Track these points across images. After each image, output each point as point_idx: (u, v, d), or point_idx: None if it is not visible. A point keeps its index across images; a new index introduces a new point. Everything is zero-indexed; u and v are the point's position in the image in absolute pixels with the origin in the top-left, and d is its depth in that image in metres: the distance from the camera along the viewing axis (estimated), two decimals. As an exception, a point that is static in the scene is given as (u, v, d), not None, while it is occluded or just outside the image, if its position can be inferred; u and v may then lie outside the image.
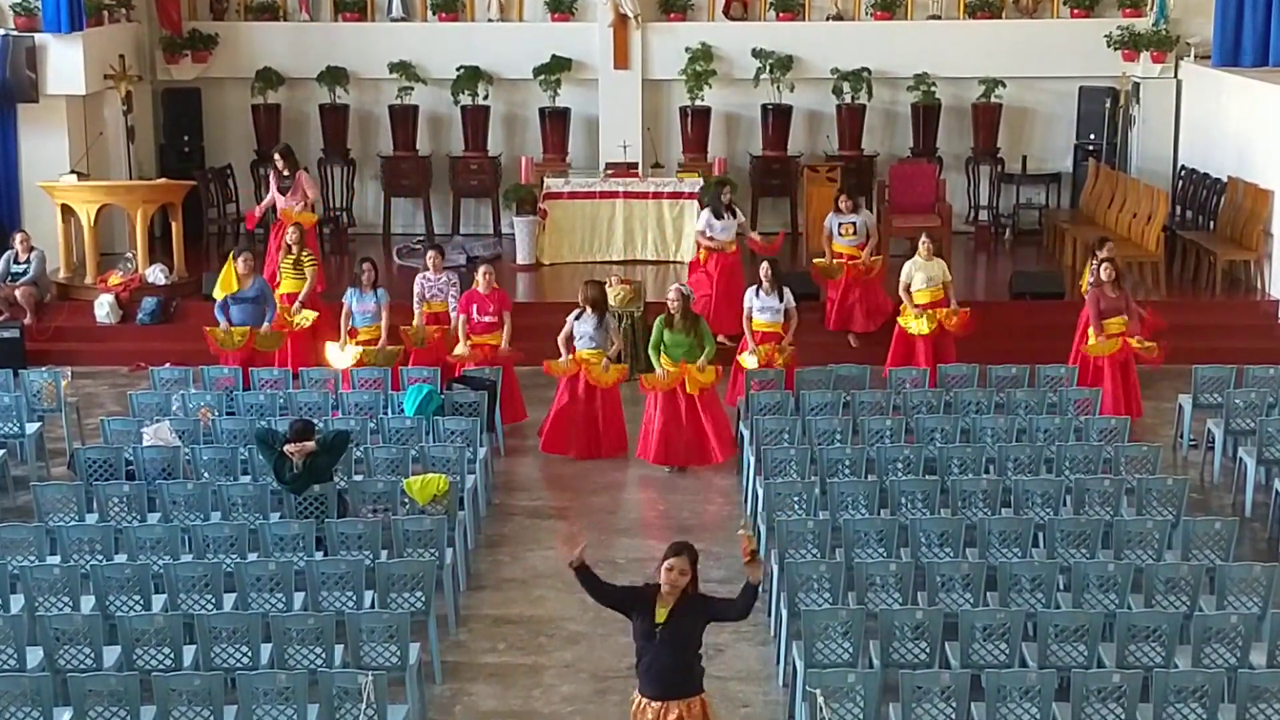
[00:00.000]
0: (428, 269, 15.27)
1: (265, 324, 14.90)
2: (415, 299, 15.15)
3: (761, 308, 14.58)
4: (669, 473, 13.79)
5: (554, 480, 13.86)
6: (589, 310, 13.95)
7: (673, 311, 13.73)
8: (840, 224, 16.74)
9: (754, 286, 14.70)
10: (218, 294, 15.58)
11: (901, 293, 15.39)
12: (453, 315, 14.91)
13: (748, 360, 14.33)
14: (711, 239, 16.66)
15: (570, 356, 13.95)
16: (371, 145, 21.60)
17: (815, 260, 17.03)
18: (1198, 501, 12.65)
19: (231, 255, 15.47)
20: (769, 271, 14.58)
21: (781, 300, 14.59)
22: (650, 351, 13.88)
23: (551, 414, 14.13)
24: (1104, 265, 14.65)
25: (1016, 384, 13.77)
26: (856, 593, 9.79)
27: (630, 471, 13.96)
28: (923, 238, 15.63)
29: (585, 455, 14.03)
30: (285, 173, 17.37)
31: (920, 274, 15.38)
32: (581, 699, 9.89)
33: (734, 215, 16.74)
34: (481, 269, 14.95)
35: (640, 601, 7.94)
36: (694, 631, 7.94)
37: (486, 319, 14.70)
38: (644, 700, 7.97)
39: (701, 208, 17.53)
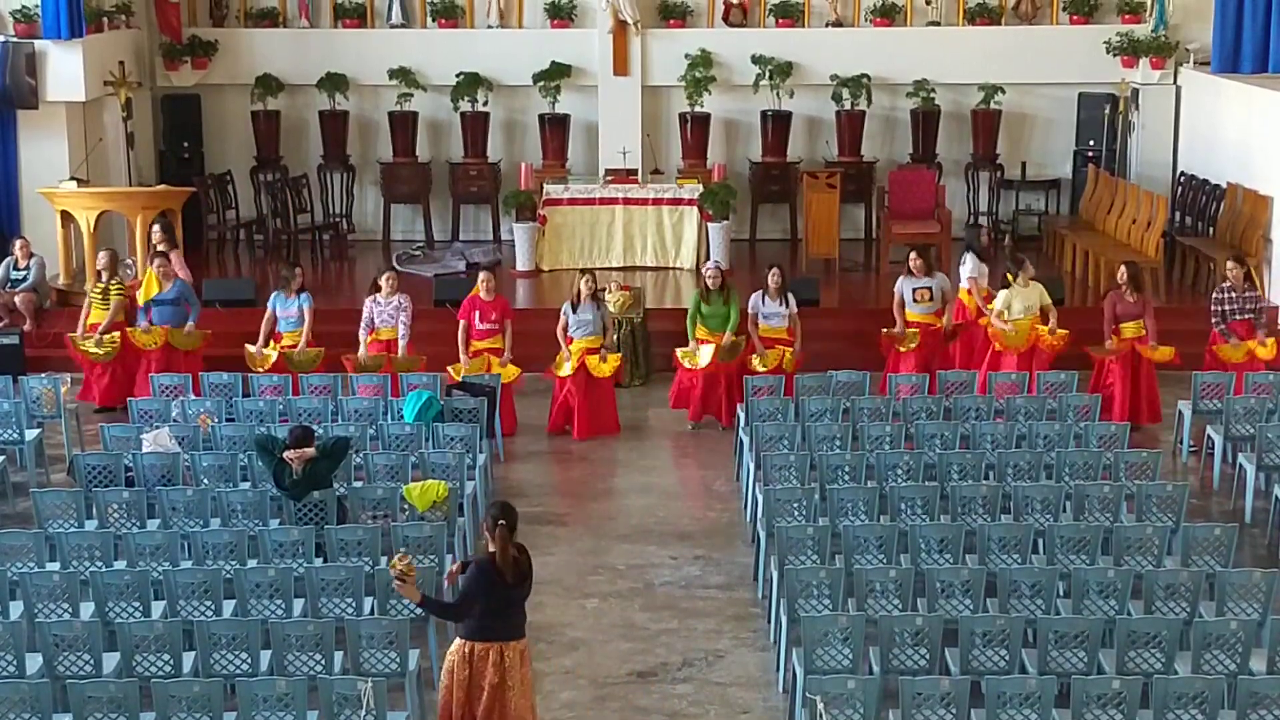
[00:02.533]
0: (378, 291, 14.89)
1: (189, 324, 15.19)
2: (362, 325, 14.80)
3: (768, 314, 14.85)
4: (692, 429, 14.98)
5: (554, 487, 13.87)
6: (588, 299, 14.72)
7: (710, 286, 14.95)
8: (915, 289, 15.10)
9: (759, 292, 14.95)
10: (142, 300, 15.60)
11: (994, 319, 14.88)
12: (401, 343, 14.72)
13: (756, 364, 14.66)
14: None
15: (569, 350, 14.64)
16: (371, 151, 21.60)
17: (885, 331, 15.20)
18: (1197, 507, 12.65)
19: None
20: (778, 278, 14.77)
21: (787, 306, 14.84)
22: (688, 323, 14.97)
23: (558, 403, 14.94)
24: (1122, 269, 14.61)
25: (1016, 390, 13.76)
26: (856, 599, 9.78)
27: (630, 479, 13.96)
28: (1025, 265, 14.96)
29: (584, 435, 14.70)
30: (160, 247, 15.98)
31: (1018, 301, 14.80)
32: (581, 705, 9.89)
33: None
34: (482, 275, 14.96)
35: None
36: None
37: (489, 326, 14.74)
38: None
39: (966, 250, 15.96)
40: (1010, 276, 15.03)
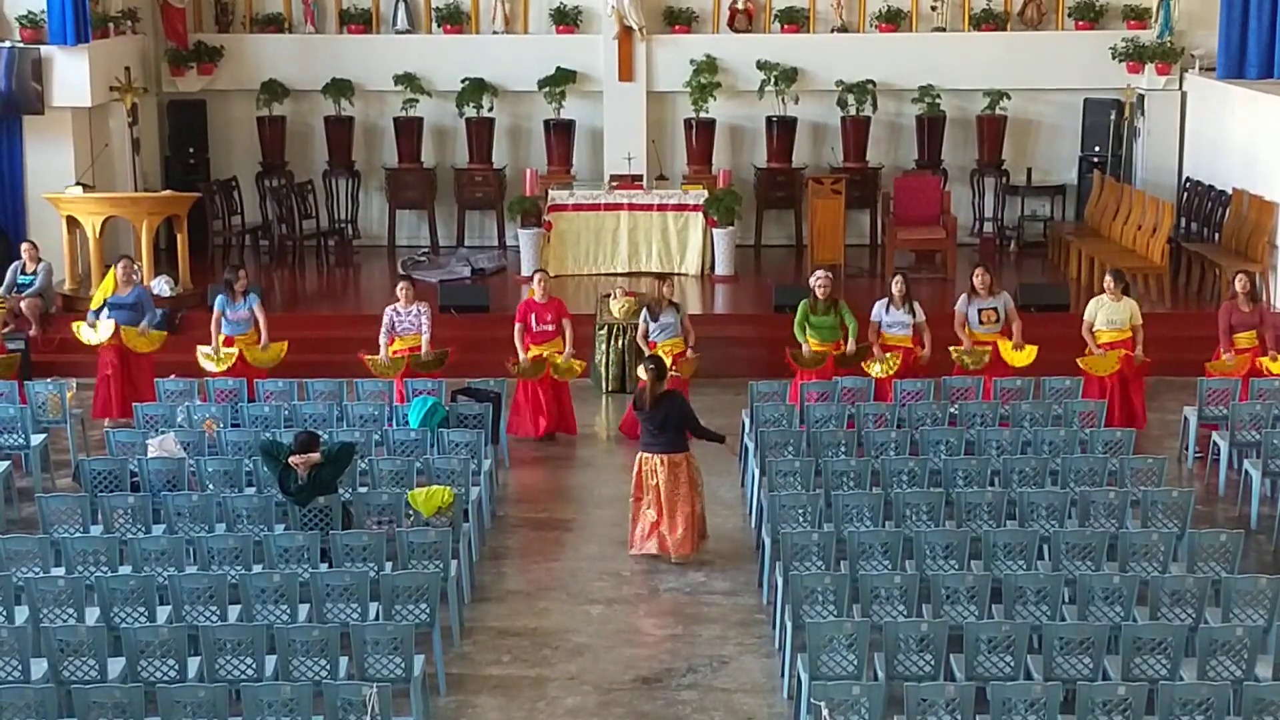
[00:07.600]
0: (397, 300, 14.83)
1: (144, 325, 15.15)
2: (383, 330, 14.73)
3: (891, 323, 14.65)
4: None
5: (558, 492, 13.87)
6: (668, 304, 14.89)
7: (820, 295, 14.59)
8: (980, 310, 14.60)
9: (884, 301, 14.76)
10: (95, 301, 15.57)
11: (1084, 333, 14.44)
12: (425, 343, 14.71)
13: (874, 369, 14.41)
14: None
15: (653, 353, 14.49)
16: (376, 157, 21.63)
17: (952, 349, 14.55)
18: (1203, 514, 12.64)
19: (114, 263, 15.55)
20: (902, 286, 14.65)
21: (913, 315, 14.65)
22: (796, 331, 14.69)
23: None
24: (1239, 277, 14.48)
25: (1021, 396, 13.76)
26: (861, 605, 9.78)
27: (635, 483, 13.95)
28: (1108, 278, 14.54)
29: None
30: None
31: (1102, 314, 14.41)
32: (586, 711, 9.88)
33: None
34: (536, 276, 15.06)
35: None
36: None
37: (546, 328, 14.74)
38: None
39: None
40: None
